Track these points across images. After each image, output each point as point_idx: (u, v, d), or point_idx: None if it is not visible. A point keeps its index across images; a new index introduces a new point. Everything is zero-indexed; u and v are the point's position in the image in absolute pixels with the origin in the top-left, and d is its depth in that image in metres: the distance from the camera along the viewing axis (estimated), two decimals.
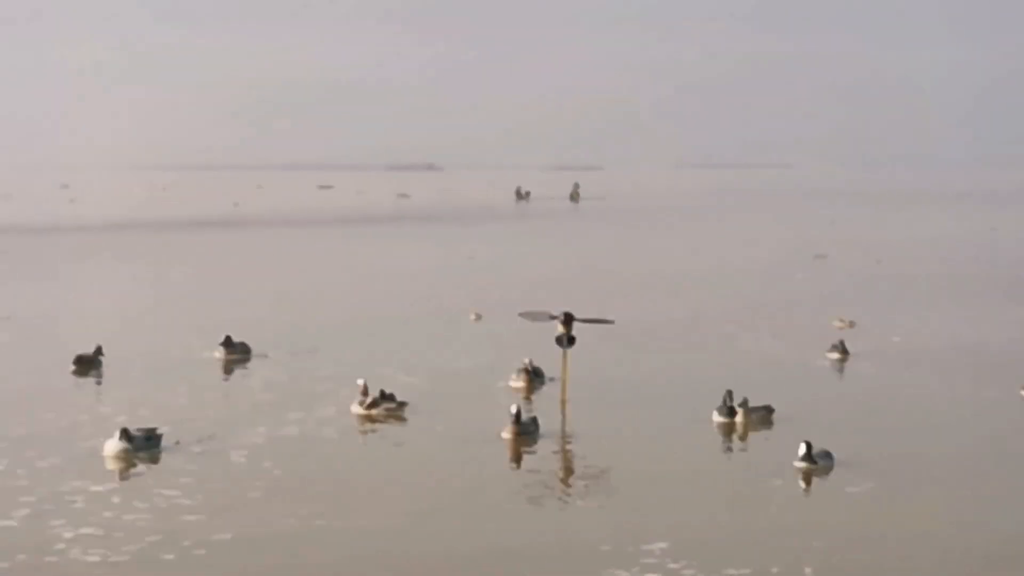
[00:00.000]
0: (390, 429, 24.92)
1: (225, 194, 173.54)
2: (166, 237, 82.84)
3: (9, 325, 38.68)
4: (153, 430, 22.94)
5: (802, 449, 21.78)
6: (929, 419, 26.36)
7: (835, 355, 32.90)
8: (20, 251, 69.42)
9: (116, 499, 19.95)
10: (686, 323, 39.79)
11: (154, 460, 22.07)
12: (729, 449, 24.04)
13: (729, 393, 25.53)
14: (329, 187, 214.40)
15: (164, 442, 22.81)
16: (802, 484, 21.14)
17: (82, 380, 29.92)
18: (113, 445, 22.19)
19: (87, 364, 30.86)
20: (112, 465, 21.77)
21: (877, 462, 22.25)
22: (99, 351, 31.40)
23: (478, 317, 40.37)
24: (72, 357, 30.92)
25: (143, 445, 22.32)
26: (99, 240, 79.41)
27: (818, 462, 21.73)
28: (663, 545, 17.73)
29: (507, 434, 23.78)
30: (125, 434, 22.21)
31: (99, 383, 29.67)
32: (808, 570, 16.89)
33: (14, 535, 18.09)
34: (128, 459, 21.94)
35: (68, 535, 18.07)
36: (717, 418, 25.39)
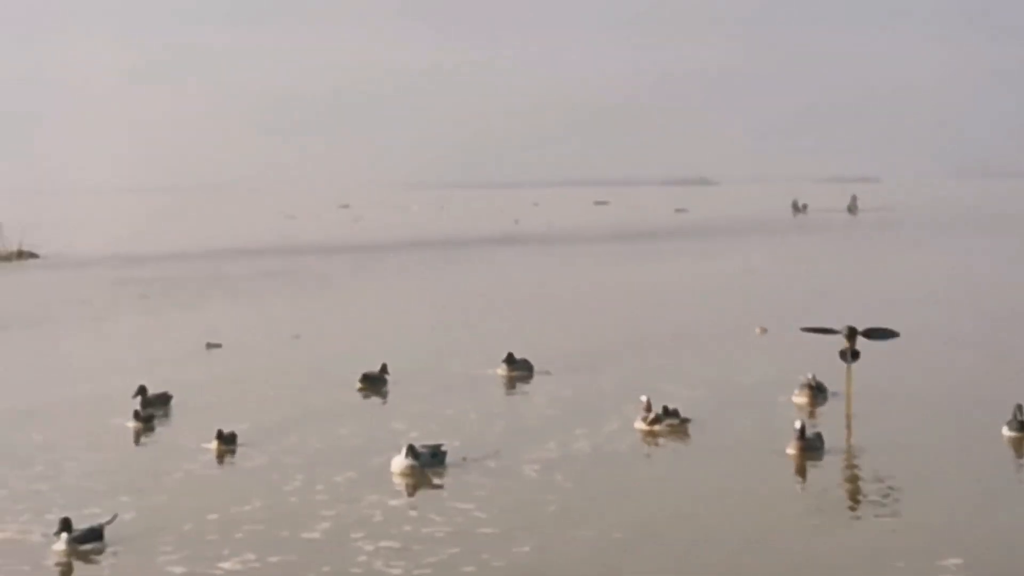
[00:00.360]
0: (674, 445, 25.04)
1: (503, 212, 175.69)
2: (446, 254, 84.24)
3: (298, 344, 39.94)
4: (439, 446, 23.40)
5: None
6: None
7: None
8: (306, 270, 71.38)
9: (413, 513, 20.47)
10: (976, 335, 39.02)
11: (441, 476, 22.54)
12: (1021, 465, 23.55)
13: (1019, 407, 24.96)
14: (605, 203, 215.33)
15: (449, 458, 23.28)
16: None
17: (368, 398, 30.68)
18: (400, 462, 22.72)
19: (373, 382, 31.57)
20: (399, 481, 22.31)
21: None
22: (384, 369, 32.11)
23: (763, 331, 40.20)
24: (358, 375, 31.72)
25: (429, 461, 22.80)
26: (380, 258, 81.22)
27: None
28: (957, 561, 17.50)
29: (792, 450, 23.65)
30: (411, 450, 22.72)
31: (384, 401, 30.39)
32: None
33: (318, 548, 18.68)
34: (415, 475, 22.44)
35: (369, 548, 18.59)
36: (1007, 433, 24.87)
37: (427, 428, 26.31)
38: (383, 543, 18.79)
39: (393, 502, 21.17)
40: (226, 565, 17.93)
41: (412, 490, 21.87)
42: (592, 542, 18.75)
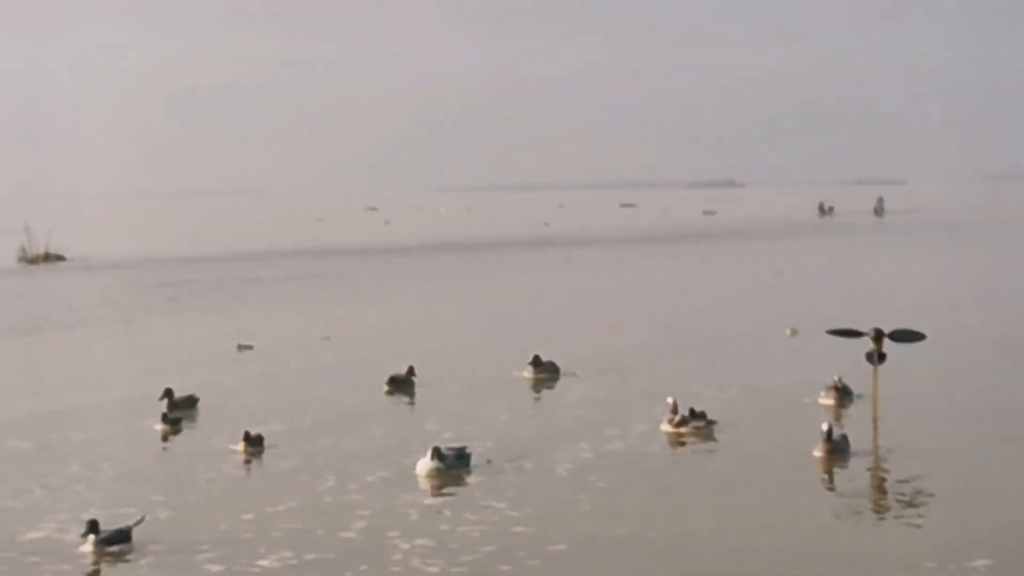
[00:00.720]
0: (702, 447, 25.23)
1: (531, 214, 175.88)
2: (475, 257, 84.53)
3: (328, 346, 40.23)
4: (463, 448, 23.59)
5: None
6: None
7: None
8: (335, 273, 71.72)
9: (447, 512, 20.70)
10: (1004, 338, 39.06)
11: (466, 478, 22.69)
12: None
13: None
14: (631, 205, 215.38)
15: (474, 460, 23.45)
16: None
17: (395, 399, 30.89)
18: (425, 464, 22.90)
19: (400, 384, 31.78)
20: (425, 484, 22.48)
21: None
22: (411, 371, 32.34)
23: (794, 332, 40.33)
24: (385, 378, 31.93)
25: (454, 464, 22.97)
26: (410, 261, 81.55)
27: None
28: (987, 562, 17.63)
29: (819, 452, 23.80)
30: (437, 453, 22.91)
31: (412, 403, 30.59)
32: None
33: (355, 546, 18.93)
34: (440, 477, 22.62)
35: (405, 546, 18.82)
36: None
37: (460, 430, 26.53)
38: (419, 541, 19.01)
39: (427, 501, 21.42)
40: (264, 563, 18.18)
41: (446, 490, 22.07)
42: (627, 542, 18.95)
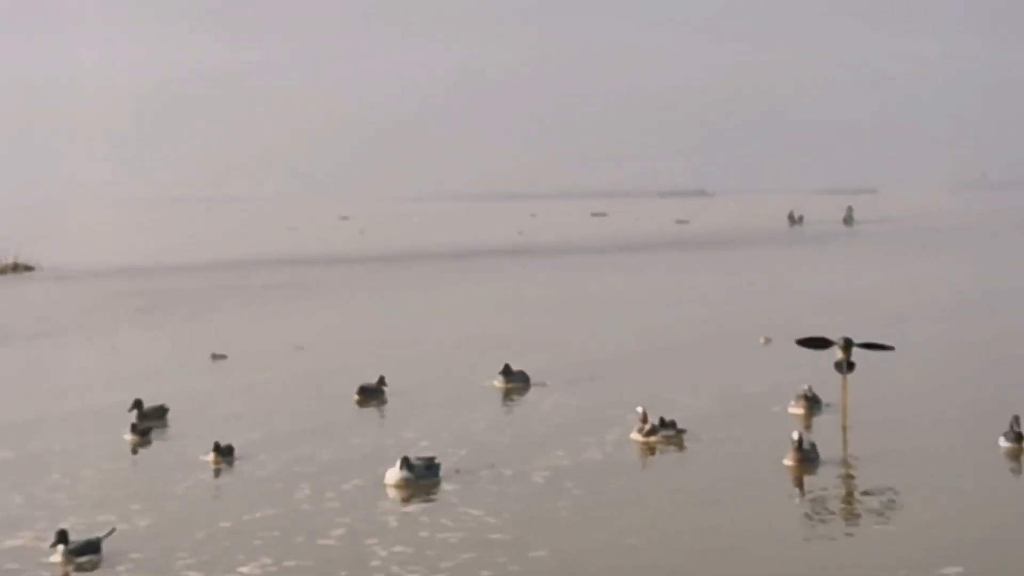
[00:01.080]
0: (672, 455, 25.41)
1: (504, 223, 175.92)
2: (449, 266, 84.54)
3: (302, 355, 40.33)
4: (432, 458, 23.67)
5: None
6: None
7: None
8: (310, 282, 71.70)
9: (425, 519, 20.88)
10: (971, 347, 39.40)
11: (435, 488, 22.75)
12: (1017, 476, 23.95)
13: (1016, 418, 25.30)
14: (603, 215, 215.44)
15: (442, 471, 23.54)
16: None
17: (366, 410, 30.94)
18: (395, 474, 23.00)
19: (371, 394, 31.86)
20: (394, 494, 22.58)
21: None
22: (382, 381, 32.45)
23: (768, 341, 40.58)
24: (356, 387, 32.01)
25: (423, 474, 23.08)
26: (383, 270, 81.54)
27: None
28: (959, 569, 17.87)
29: (789, 461, 24.03)
30: (406, 463, 23.01)
31: (383, 413, 30.70)
32: None
33: (334, 553, 19.09)
34: (409, 487, 22.71)
35: (383, 553, 19.00)
36: (1003, 443, 25.20)
37: (437, 438, 26.74)
38: (397, 548, 19.18)
39: (405, 509, 21.61)
40: (244, 570, 18.33)
41: (424, 497, 22.23)
42: (606, 547, 19.16)
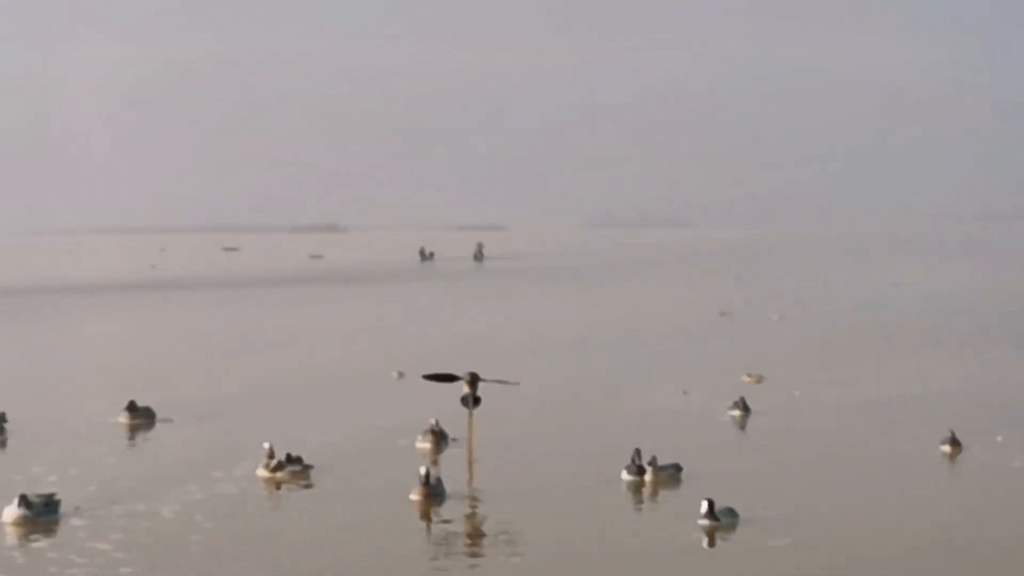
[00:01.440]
0: (299, 491, 25.08)
1: (133, 257, 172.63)
2: (76, 301, 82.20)
3: None
4: (52, 495, 22.84)
5: (704, 507, 22.06)
6: (835, 472, 26.73)
7: (736, 412, 33.35)
8: None
9: (52, 554, 20.29)
10: (594, 382, 40.11)
11: (55, 525, 22.02)
12: (638, 508, 24.28)
13: (637, 452, 25.75)
14: (235, 249, 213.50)
15: (63, 508, 22.72)
16: (706, 542, 21.41)
17: None
18: (12, 511, 22.12)
19: None
20: (11, 532, 21.71)
21: (783, 518, 22.57)
22: (2, 418, 31.25)
23: (400, 375, 40.52)
24: None
25: (42, 511, 22.26)
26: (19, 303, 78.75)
27: (721, 520, 22.00)
28: None
29: (416, 495, 23.93)
30: (24, 500, 22.15)
31: (3, 449, 29.60)
32: None
33: None
34: (27, 524, 21.87)
35: None
36: (626, 476, 25.60)
37: (64, 473, 26.06)
38: None
39: (35, 545, 20.95)
40: None
41: (51, 532, 21.55)
42: None
